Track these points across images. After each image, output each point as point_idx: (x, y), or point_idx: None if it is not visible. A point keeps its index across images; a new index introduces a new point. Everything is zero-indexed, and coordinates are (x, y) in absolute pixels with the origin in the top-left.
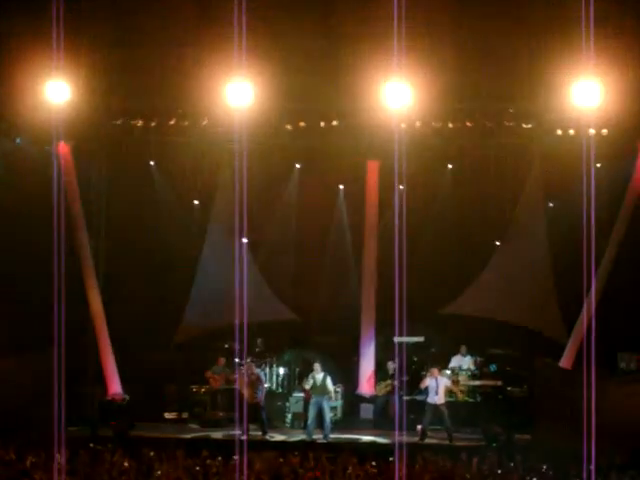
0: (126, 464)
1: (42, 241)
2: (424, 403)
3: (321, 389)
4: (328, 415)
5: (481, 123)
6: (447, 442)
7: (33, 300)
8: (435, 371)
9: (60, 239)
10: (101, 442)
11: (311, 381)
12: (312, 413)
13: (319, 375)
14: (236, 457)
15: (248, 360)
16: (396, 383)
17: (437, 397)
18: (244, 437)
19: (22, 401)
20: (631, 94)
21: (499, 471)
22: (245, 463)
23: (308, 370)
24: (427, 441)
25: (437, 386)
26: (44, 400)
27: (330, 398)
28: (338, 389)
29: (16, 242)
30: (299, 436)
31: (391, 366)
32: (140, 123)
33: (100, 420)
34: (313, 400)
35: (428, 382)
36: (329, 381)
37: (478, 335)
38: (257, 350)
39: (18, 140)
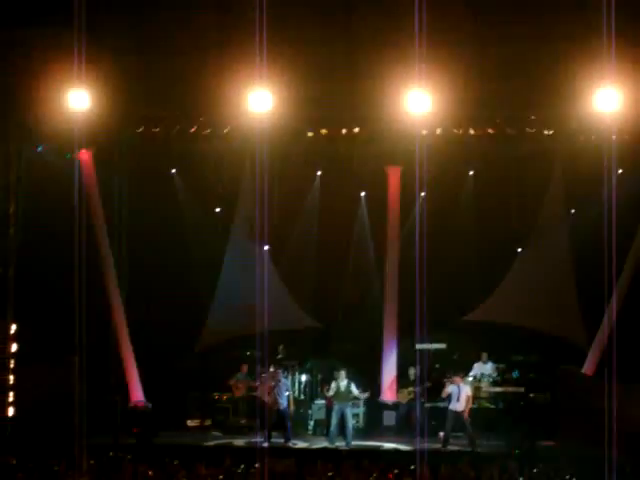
0: (149, 472)
1: (64, 248)
2: (446, 410)
3: (344, 396)
4: (350, 422)
5: (502, 130)
6: (469, 449)
7: (55, 307)
8: (457, 379)
9: (82, 246)
10: (123, 450)
11: (334, 388)
12: (334, 420)
13: (343, 382)
14: (257, 465)
15: (271, 368)
16: (417, 390)
17: (458, 404)
18: (265, 444)
19: (45, 408)
20: None
21: (521, 479)
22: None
23: (330, 377)
24: (449, 448)
25: (459, 393)
26: (67, 408)
27: (357, 404)
28: (363, 394)
29: (38, 249)
30: (321, 443)
31: (412, 371)
32: (161, 130)
33: (122, 428)
34: (336, 407)
35: (450, 389)
36: (354, 387)
37: (500, 342)
38: (278, 357)
39: (40, 148)
